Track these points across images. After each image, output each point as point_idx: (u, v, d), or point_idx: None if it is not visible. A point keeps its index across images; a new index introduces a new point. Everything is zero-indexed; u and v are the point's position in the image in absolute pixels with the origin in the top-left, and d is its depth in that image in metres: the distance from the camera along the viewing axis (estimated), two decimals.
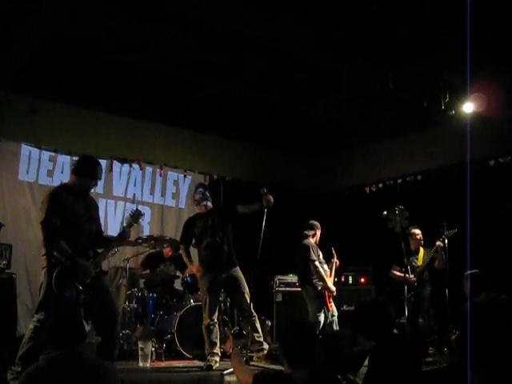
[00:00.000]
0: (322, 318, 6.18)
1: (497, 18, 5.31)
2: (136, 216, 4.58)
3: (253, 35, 5.77)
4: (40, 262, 4.28)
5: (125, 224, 4.59)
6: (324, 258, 6.54)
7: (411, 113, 7.24)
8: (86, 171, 4.39)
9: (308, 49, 6.04)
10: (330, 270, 6.56)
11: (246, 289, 5.69)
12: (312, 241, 6.48)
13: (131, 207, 7.86)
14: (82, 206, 4.34)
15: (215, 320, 5.64)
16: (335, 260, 6.65)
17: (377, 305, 3.50)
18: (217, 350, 5.58)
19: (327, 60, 6.26)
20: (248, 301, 5.65)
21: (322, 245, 6.62)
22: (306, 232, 6.54)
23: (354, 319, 3.79)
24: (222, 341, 5.90)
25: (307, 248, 6.36)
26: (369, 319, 3.37)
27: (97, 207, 4.67)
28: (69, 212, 4.21)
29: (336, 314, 6.39)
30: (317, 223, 6.65)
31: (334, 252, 6.72)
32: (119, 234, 4.59)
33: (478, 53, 4.50)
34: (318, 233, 6.62)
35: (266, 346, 5.72)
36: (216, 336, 5.61)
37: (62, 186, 4.51)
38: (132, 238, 7.22)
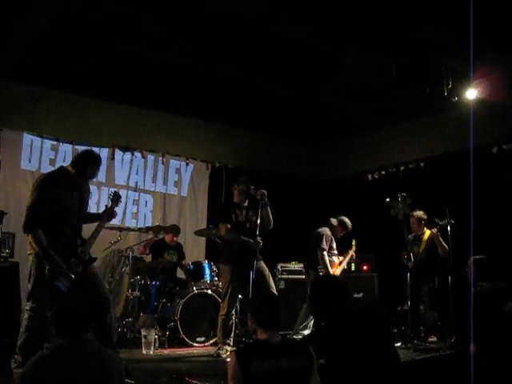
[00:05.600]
0: None
1: (499, 3, 5.26)
2: (115, 198, 4.64)
3: (253, 21, 5.73)
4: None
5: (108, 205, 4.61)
6: (339, 248, 6.68)
7: (414, 99, 7.21)
8: (86, 170, 4.39)
9: (309, 35, 6.00)
10: (343, 260, 6.68)
11: (272, 282, 5.63)
12: (329, 231, 6.59)
13: (133, 195, 7.90)
14: (76, 197, 4.32)
15: (233, 312, 5.62)
16: (352, 252, 6.81)
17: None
18: (229, 340, 5.54)
19: (329, 47, 6.22)
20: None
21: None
22: (332, 221, 6.67)
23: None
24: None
25: (321, 235, 6.50)
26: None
27: (88, 192, 4.67)
28: (59, 205, 4.17)
29: None
30: (349, 224, 6.72)
31: (353, 244, 6.87)
32: (100, 216, 4.59)
33: (481, 38, 4.47)
34: (343, 232, 6.74)
35: None
36: (231, 328, 5.58)
37: (58, 174, 4.39)
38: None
